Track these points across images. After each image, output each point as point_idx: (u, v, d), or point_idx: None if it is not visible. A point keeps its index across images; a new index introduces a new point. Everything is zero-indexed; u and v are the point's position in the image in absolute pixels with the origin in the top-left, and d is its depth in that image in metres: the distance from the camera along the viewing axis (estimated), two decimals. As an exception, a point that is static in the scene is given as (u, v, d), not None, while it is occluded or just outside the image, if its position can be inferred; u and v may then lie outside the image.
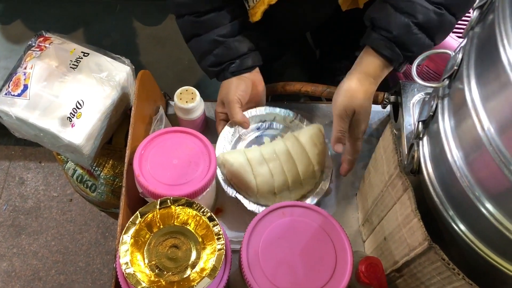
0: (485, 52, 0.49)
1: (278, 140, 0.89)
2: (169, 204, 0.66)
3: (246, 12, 0.90)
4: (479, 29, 0.53)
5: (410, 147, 0.68)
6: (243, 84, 0.88)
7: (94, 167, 0.98)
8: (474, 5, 0.54)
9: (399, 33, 0.75)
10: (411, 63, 0.79)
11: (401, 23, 0.74)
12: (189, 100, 0.89)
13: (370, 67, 0.79)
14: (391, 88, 0.95)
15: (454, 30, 1.07)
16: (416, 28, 0.74)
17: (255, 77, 0.91)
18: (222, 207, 0.88)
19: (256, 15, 0.87)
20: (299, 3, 0.91)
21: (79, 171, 1.03)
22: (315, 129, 0.87)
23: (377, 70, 0.79)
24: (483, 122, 0.48)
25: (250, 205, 0.83)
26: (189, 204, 0.67)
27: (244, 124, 0.90)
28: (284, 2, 0.83)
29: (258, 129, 0.94)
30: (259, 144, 0.90)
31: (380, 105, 0.93)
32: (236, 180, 0.84)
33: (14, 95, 0.84)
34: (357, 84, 0.79)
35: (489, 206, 0.52)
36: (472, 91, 0.50)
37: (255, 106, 0.93)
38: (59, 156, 1.04)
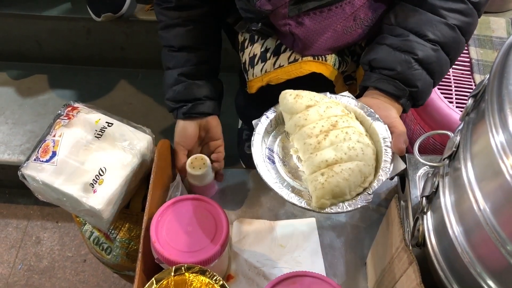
0: (478, 136, 0.54)
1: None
2: (183, 271, 0.69)
3: (220, 60, 0.99)
4: (474, 115, 0.57)
5: (416, 221, 0.71)
6: (189, 129, 0.93)
7: (110, 230, 1.02)
8: (470, 93, 0.59)
9: (402, 69, 0.77)
10: (417, 102, 0.81)
11: (402, 60, 0.78)
12: (202, 166, 0.93)
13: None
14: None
15: (458, 105, 1.12)
16: (416, 64, 0.77)
17: (208, 123, 0.95)
18: (234, 274, 0.90)
19: (253, 88, 0.94)
20: (296, 86, 0.96)
21: (96, 233, 1.06)
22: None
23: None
24: (479, 202, 0.51)
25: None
26: (202, 272, 0.69)
27: (181, 172, 0.94)
28: (283, 83, 0.89)
29: None
30: None
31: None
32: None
33: (42, 161, 0.90)
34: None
35: (490, 282, 0.55)
36: (468, 172, 0.54)
37: (213, 148, 0.97)
38: (77, 219, 1.08)
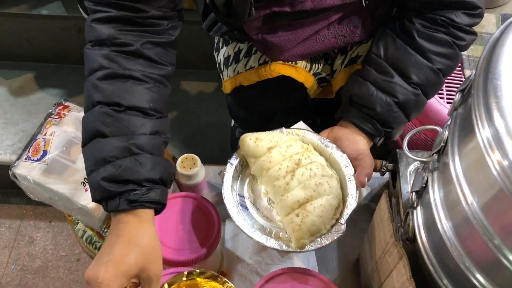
0: (466, 131, 0.54)
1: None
2: (195, 276, 0.69)
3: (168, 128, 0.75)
4: (462, 110, 0.58)
5: (406, 216, 0.71)
6: (145, 234, 0.66)
7: (103, 229, 1.02)
8: (458, 88, 0.59)
9: (381, 110, 0.79)
10: (389, 138, 0.84)
11: (383, 101, 0.79)
12: (192, 166, 0.93)
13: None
14: (390, 155, 0.99)
15: (449, 101, 1.13)
16: (396, 107, 0.79)
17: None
18: (226, 271, 0.90)
19: (227, 88, 0.95)
20: (268, 89, 0.95)
21: (89, 232, 1.06)
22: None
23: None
24: (467, 197, 0.52)
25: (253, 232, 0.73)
26: (214, 277, 0.69)
27: None
28: (256, 85, 0.89)
29: None
30: None
31: (378, 173, 0.97)
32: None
33: (33, 160, 0.90)
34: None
35: (479, 277, 0.55)
36: (456, 167, 0.54)
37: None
38: (70, 218, 1.07)
